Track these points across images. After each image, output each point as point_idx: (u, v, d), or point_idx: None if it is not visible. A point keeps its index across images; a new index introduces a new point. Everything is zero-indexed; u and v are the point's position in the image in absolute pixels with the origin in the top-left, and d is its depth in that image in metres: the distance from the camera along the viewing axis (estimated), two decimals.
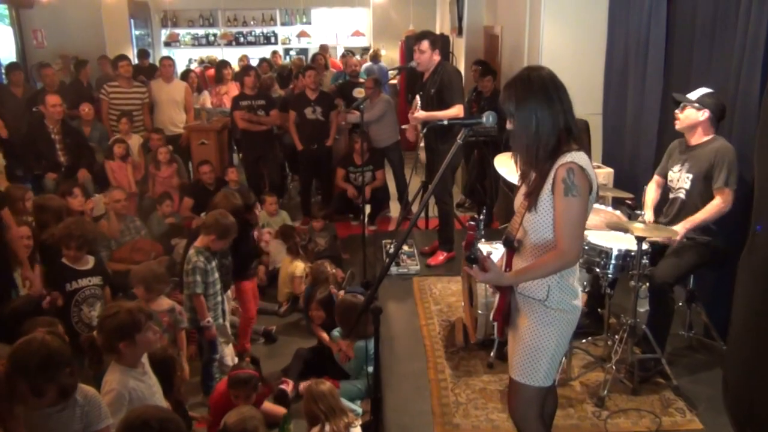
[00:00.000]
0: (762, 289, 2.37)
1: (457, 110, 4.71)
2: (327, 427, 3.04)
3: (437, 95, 4.80)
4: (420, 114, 4.89)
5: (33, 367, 2.26)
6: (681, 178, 3.63)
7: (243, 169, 7.26)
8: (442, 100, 4.77)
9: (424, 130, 4.98)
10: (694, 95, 3.55)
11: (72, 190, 4.99)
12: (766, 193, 2.41)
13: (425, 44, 4.83)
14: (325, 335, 4.22)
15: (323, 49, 11.11)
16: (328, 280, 4.66)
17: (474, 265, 2.21)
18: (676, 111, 3.63)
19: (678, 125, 3.62)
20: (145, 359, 2.82)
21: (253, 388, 3.36)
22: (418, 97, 4.94)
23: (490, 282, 2.87)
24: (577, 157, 2.13)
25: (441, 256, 5.22)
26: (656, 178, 3.88)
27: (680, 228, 3.43)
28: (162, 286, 3.70)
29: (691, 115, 3.54)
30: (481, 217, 3.75)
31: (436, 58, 4.87)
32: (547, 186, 2.16)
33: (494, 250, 3.86)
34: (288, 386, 3.81)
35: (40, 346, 2.30)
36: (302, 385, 3.87)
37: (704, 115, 3.51)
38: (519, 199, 2.32)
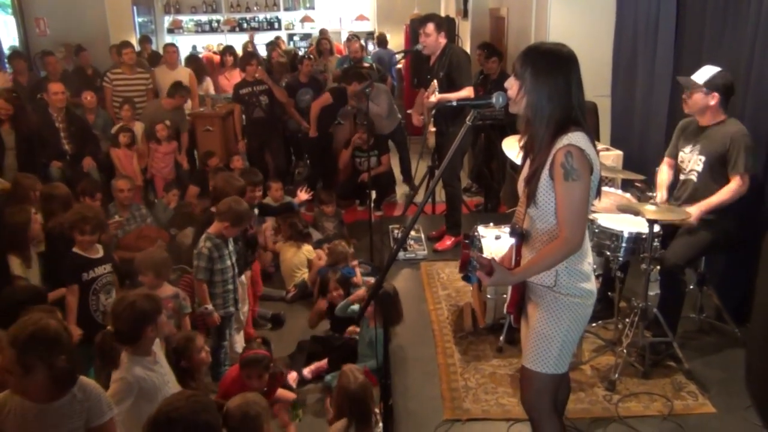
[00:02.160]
0: None
1: (467, 92, 4.67)
2: (344, 422, 2.98)
3: (446, 78, 4.75)
4: (434, 98, 4.84)
5: (23, 338, 2.15)
6: (693, 160, 3.56)
7: (246, 156, 7.23)
8: (452, 83, 4.72)
9: (433, 112, 4.93)
10: (700, 77, 3.44)
11: (95, 193, 4.74)
12: None
13: (430, 27, 4.77)
14: (323, 305, 4.25)
15: (323, 33, 11.03)
16: (346, 258, 4.67)
17: (478, 271, 2.15)
18: (684, 95, 3.54)
19: (687, 110, 3.55)
20: (156, 348, 2.81)
21: (265, 368, 3.36)
22: (435, 82, 4.87)
23: (497, 284, 2.83)
24: (575, 138, 2.07)
25: (448, 241, 5.19)
26: (667, 159, 3.82)
27: (695, 209, 3.38)
28: (169, 270, 3.71)
29: (699, 101, 3.44)
30: (476, 233, 3.71)
31: (442, 40, 4.81)
32: (546, 171, 2.11)
33: (503, 234, 3.84)
34: (289, 374, 3.80)
35: (34, 321, 2.21)
36: (307, 371, 3.85)
37: (713, 99, 3.42)
38: (522, 184, 2.27)
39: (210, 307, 3.66)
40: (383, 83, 7.57)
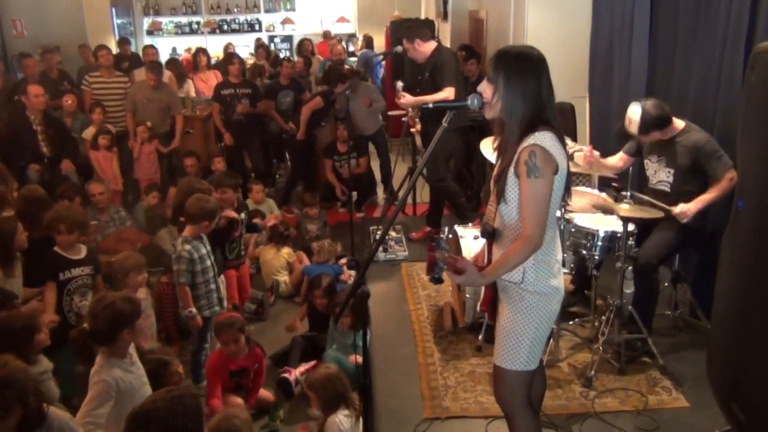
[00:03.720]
0: (745, 265, 2.40)
1: (447, 93, 4.70)
2: (344, 411, 3.01)
3: (431, 78, 4.82)
4: (408, 99, 4.89)
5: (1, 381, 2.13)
6: (660, 172, 3.65)
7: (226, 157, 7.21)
8: (435, 83, 4.77)
9: (410, 112, 4.98)
10: (634, 114, 3.48)
11: (74, 197, 4.72)
12: (747, 171, 2.44)
13: (405, 43, 4.91)
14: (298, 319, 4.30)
15: (327, 35, 11.00)
16: (335, 256, 4.83)
17: (448, 271, 2.19)
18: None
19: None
20: (132, 350, 2.81)
21: (240, 330, 3.40)
22: (399, 83, 4.94)
23: (468, 284, 2.89)
24: (540, 138, 2.12)
25: (424, 231, 5.30)
26: (622, 155, 3.90)
27: (692, 205, 3.42)
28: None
29: (646, 140, 3.59)
30: (443, 235, 3.74)
31: (422, 45, 4.88)
32: (511, 168, 2.16)
33: (480, 235, 3.88)
34: (290, 374, 3.80)
35: (2, 365, 2.20)
36: (298, 371, 3.86)
37: (654, 137, 3.54)
38: (493, 182, 2.32)
39: (194, 310, 3.65)
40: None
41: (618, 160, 3.89)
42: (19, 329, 2.84)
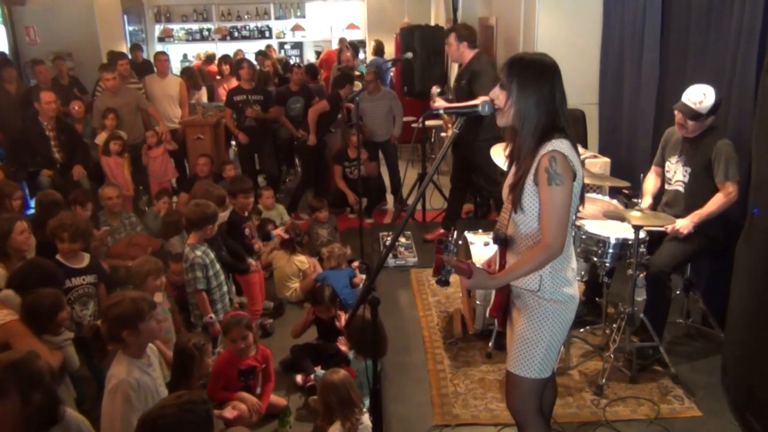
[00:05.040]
0: (761, 272, 2.38)
1: (480, 101, 4.71)
2: (339, 425, 2.98)
3: (467, 86, 4.85)
4: (441, 103, 4.99)
5: (5, 363, 2.14)
6: (678, 171, 3.63)
7: (238, 163, 7.25)
8: (472, 91, 4.80)
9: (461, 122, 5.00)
10: (695, 95, 3.44)
11: (86, 203, 4.76)
12: (762, 177, 2.42)
13: (451, 37, 4.99)
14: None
15: (342, 42, 11.04)
16: (345, 259, 4.82)
17: (452, 272, 2.17)
18: (680, 120, 3.55)
19: (686, 133, 3.57)
20: (151, 351, 2.81)
21: (246, 327, 3.39)
22: (436, 87, 4.98)
23: (477, 287, 2.87)
24: (559, 144, 2.12)
25: (438, 232, 5.37)
26: (654, 168, 3.88)
27: (687, 221, 3.42)
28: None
29: (698, 127, 3.50)
30: (451, 238, 3.72)
31: (465, 50, 4.94)
32: (530, 176, 2.15)
33: (492, 242, 3.87)
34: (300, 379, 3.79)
35: (23, 354, 2.22)
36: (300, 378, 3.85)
37: (710, 121, 3.49)
38: (506, 190, 2.31)
39: (213, 316, 3.67)
40: None
41: (656, 178, 3.85)
42: (47, 306, 2.98)
